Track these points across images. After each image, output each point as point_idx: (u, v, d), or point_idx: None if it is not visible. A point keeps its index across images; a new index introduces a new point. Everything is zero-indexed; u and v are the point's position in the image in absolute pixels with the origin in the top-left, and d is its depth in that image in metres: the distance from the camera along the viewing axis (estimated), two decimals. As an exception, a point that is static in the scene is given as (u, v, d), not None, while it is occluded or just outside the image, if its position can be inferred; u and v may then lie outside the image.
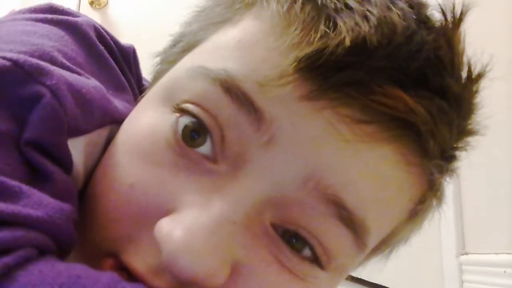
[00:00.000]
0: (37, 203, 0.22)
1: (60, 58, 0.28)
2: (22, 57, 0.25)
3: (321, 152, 0.24)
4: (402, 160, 0.26)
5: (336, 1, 0.25)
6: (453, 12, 0.27)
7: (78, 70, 0.29)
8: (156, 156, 0.26)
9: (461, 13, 0.27)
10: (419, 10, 0.27)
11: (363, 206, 0.25)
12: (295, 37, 0.25)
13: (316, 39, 0.24)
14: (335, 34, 0.24)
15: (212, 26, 0.29)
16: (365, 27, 0.24)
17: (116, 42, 0.36)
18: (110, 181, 0.27)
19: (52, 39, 0.30)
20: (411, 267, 1.16)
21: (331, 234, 0.25)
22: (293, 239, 0.26)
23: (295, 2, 0.26)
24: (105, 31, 0.36)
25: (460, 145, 0.29)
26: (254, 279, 0.25)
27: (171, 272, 0.23)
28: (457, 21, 0.27)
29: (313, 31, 0.25)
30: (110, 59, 0.34)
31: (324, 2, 0.25)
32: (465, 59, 0.27)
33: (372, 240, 0.27)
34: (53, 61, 0.27)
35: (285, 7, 0.26)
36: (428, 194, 0.29)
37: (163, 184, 0.25)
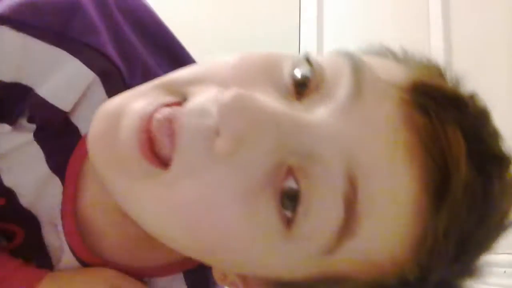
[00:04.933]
0: None
1: None
2: None
3: (376, 138, 0.26)
4: (419, 198, 0.26)
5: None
6: None
7: None
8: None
9: None
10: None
11: (370, 202, 0.26)
12: None
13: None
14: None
15: None
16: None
17: None
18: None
19: None
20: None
21: (326, 202, 0.26)
22: (291, 195, 0.26)
23: None
24: None
25: (482, 251, 0.30)
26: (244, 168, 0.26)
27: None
28: None
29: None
30: None
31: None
32: None
33: (360, 245, 0.27)
34: None
35: None
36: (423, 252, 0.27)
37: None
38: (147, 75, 0.37)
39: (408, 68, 0.30)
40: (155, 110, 0.27)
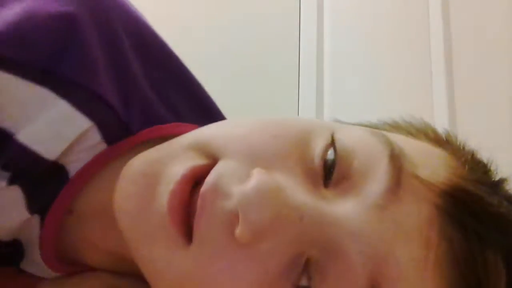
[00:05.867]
0: None
1: None
2: None
3: (406, 247, 0.24)
4: None
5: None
6: None
7: None
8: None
9: None
10: None
11: None
12: None
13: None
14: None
15: None
16: None
17: None
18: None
19: None
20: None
21: None
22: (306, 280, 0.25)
23: None
24: None
25: None
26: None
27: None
28: None
29: None
30: None
31: None
32: None
33: None
34: None
35: None
36: None
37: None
38: (146, 111, 0.35)
39: (448, 159, 0.28)
40: (189, 174, 0.26)
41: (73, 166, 0.33)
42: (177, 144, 0.29)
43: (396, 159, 0.26)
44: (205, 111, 0.40)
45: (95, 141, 0.33)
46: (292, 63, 1.59)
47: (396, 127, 0.35)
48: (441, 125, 1.11)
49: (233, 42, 1.63)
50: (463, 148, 0.32)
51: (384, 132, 0.29)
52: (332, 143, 0.27)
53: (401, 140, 0.29)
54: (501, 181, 0.30)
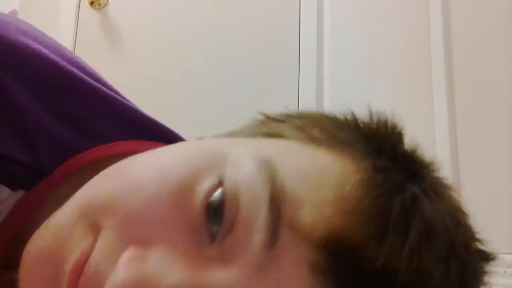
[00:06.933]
0: None
1: None
2: None
3: None
4: None
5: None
6: None
7: None
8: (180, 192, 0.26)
9: None
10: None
11: None
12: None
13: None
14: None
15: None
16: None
17: None
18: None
19: None
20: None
21: None
22: None
23: None
24: None
25: None
26: None
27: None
28: None
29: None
30: None
31: None
32: None
33: None
34: None
35: None
36: None
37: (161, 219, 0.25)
38: (53, 146, 0.34)
39: (343, 179, 0.26)
40: (76, 267, 0.25)
41: None
42: (68, 214, 0.28)
43: (276, 203, 0.24)
44: (134, 127, 0.38)
45: (5, 195, 0.32)
46: (292, 63, 1.59)
47: (303, 126, 0.32)
48: (440, 118, 1.11)
49: (233, 41, 1.63)
50: (371, 141, 0.29)
51: (276, 153, 0.28)
52: (220, 185, 0.26)
53: (292, 164, 0.27)
54: (411, 184, 0.27)
